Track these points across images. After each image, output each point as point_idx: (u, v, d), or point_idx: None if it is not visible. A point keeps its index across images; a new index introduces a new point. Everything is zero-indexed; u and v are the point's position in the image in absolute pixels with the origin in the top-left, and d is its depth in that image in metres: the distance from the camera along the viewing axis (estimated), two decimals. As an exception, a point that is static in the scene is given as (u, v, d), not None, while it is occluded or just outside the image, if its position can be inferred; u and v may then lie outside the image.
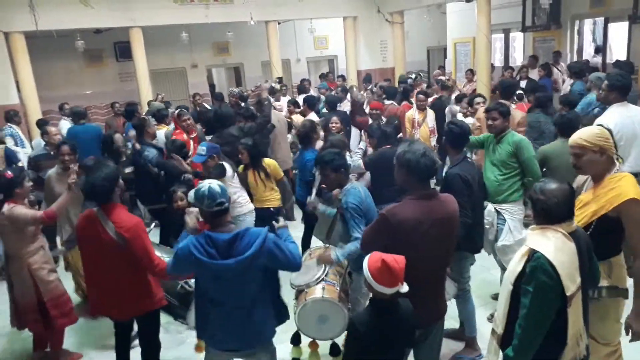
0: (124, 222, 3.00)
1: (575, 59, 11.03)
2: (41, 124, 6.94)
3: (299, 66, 14.99)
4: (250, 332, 2.66)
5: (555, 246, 2.19)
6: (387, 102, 7.21)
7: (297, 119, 7.17)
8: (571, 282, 2.17)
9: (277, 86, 8.97)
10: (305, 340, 3.37)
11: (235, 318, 2.63)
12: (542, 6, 10.11)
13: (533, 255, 2.21)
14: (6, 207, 3.58)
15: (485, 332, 3.77)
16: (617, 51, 10.75)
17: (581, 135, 2.67)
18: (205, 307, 2.71)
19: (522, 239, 3.97)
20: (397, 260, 2.36)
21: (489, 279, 4.67)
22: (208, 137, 6.57)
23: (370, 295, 2.54)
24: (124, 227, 2.98)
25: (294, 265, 2.71)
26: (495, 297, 4.45)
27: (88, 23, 9.89)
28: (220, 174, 4.44)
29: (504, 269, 4.14)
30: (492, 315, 4.14)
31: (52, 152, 5.33)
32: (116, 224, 2.98)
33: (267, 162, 4.91)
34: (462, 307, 3.68)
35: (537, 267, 2.16)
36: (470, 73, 10.00)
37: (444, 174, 3.67)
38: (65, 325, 3.90)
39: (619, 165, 2.69)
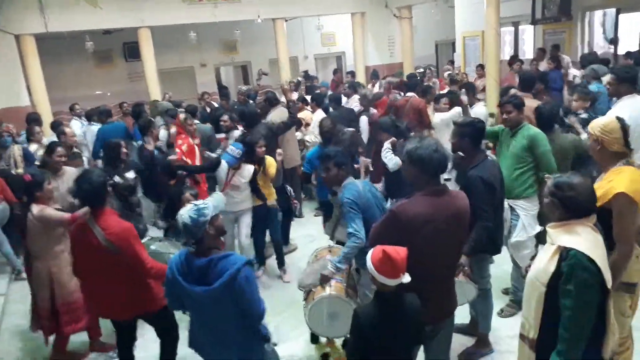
0: (112, 228, 2.99)
1: (586, 51, 10.89)
2: (55, 125, 7.01)
3: (306, 63, 14.97)
4: (236, 350, 2.54)
5: (588, 241, 2.17)
6: (409, 94, 7.13)
7: (306, 115, 7.16)
8: (608, 275, 2.17)
9: (267, 71, 9.12)
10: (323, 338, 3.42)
11: (219, 337, 2.53)
12: (552, -2, 9.99)
13: (567, 253, 2.16)
14: (36, 209, 3.62)
15: (495, 327, 3.77)
16: (629, 42, 10.60)
17: (593, 122, 2.79)
18: (192, 321, 2.65)
19: (534, 234, 3.94)
20: (398, 251, 2.34)
21: (498, 274, 4.62)
22: (218, 136, 6.58)
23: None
24: (113, 233, 2.98)
25: (256, 313, 2.47)
26: (505, 291, 4.43)
27: (97, 24, 9.96)
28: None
29: (515, 264, 4.12)
30: (502, 310, 4.14)
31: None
32: (105, 230, 2.98)
33: (269, 160, 4.96)
34: (482, 305, 3.60)
35: (576, 265, 2.12)
36: (481, 68, 9.91)
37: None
38: (74, 332, 3.88)
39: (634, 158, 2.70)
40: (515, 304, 4.09)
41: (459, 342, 3.68)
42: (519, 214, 3.89)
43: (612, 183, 2.57)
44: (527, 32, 12.86)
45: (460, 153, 3.44)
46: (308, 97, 8.08)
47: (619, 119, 2.67)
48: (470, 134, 3.37)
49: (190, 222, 2.37)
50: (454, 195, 2.64)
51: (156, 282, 3.15)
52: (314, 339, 3.47)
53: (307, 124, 7.01)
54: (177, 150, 5.53)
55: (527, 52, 12.88)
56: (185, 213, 2.40)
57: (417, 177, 2.58)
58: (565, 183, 2.25)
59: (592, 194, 2.26)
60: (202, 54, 13.52)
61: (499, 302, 4.25)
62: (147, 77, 10.42)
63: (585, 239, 2.18)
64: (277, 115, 6.22)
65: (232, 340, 2.51)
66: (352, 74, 11.57)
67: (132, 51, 12.36)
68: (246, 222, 4.85)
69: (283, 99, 6.45)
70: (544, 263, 2.24)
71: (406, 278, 2.34)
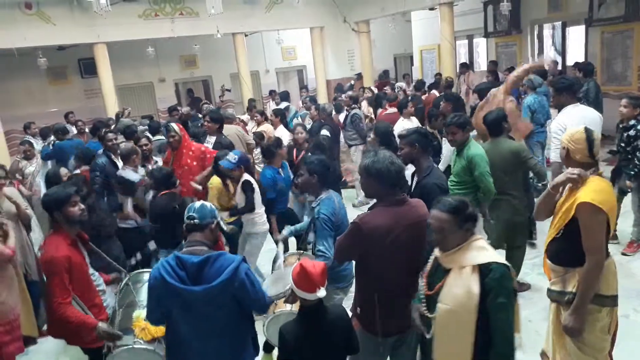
0: (45, 252, 2.96)
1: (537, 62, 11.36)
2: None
3: (268, 77, 15.00)
4: (228, 340, 2.46)
5: (495, 251, 2.25)
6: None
7: (267, 128, 7.15)
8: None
9: (229, 87, 9.18)
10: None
11: (210, 351, 2.43)
12: (502, 12, 10.38)
13: (488, 269, 2.15)
14: None
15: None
16: (576, 54, 11.11)
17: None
18: (177, 346, 2.48)
19: None
20: (315, 265, 2.36)
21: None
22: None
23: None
24: (43, 258, 2.97)
25: (260, 306, 2.52)
26: None
27: (51, 40, 9.74)
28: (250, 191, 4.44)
29: None
30: None
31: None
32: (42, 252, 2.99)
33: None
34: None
35: (502, 277, 2.14)
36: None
37: (413, 184, 3.61)
38: (17, 353, 3.51)
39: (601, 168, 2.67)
40: None
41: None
42: None
43: (579, 193, 2.51)
44: (481, 44, 13.30)
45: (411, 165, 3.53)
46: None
47: (586, 130, 2.63)
48: (418, 140, 3.47)
49: (207, 206, 2.54)
50: (414, 204, 2.68)
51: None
52: (267, 348, 3.47)
53: (269, 138, 6.99)
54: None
55: (482, 64, 13.31)
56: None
57: (376, 190, 2.62)
58: (461, 201, 2.27)
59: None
60: (161, 69, 13.35)
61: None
62: (105, 93, 10.21)
63: (492, 251, 2.21)
64: (231, 130, 6.32)
65: (224, 332, 2.44)
66: (306, 88, 11.68)
67: (88, 67, 12.09)
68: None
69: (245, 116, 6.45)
70: (463, 289, 2.17)
71: (321, 292, 2.35)
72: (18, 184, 5.87)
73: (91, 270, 3.23)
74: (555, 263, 2.68)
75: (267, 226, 4.66)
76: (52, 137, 7.74)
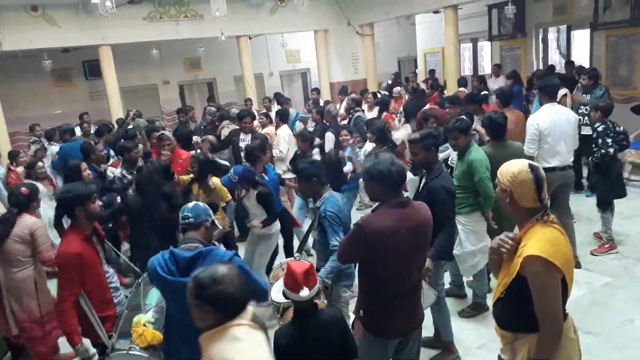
0: (59, 247, 3.10)
1: (541, 66, 11.32)
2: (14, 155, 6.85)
3: (272, 80, 15.02)
4: None
5: (256, 343, 1.82)
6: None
7: (270, 130, 7.15)
8: None
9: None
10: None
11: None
12: (507, 15, 10.37)
13: None
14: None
15: (459, 335, 3.81)
16: (581, 57, 11.07)
17: (503, 167, 2.20)
18: (174, 332, 2.60)
19: (473, 250, 4.04)
20: (300, 265, 2.43)
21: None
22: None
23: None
24: (57, 252, 3.12)
25: (258, 293, 2.54)
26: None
27: (56, 42, 9.77)
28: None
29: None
30: (463, 311, 4.28)
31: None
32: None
33: (214, 181, 4.69)
34: (439, 314, 3.68)
35: None
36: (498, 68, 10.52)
37: (420, 185, 3.59)
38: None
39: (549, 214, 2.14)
40: (475, 307, 4.25)
41: (428, 355, 3.70)
42: (458, 228, 3.96)
43: (525, 244, 2.04)
44: (485, 48, 13.28)
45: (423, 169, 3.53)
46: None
47: (532, 168, 2.10)
48: (435, 144, 3.49)
49: (201, 205, 2.68)
50: (417, 206, 2.67)
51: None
52: None
53: (272, 140, 6.99)
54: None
55: (486, 67, 13.29)
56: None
57: (379, 192, 2.61)
58: (208, 278, 1.81)
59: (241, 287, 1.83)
60: (165, 72, 13.39)
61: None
62: (109, 95, 10.24)
63: (252, 343, 1.77)
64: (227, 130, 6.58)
65: None
66: (317, 90, 11.67)
67: (92, 69, 12.11)
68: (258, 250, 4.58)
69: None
70: None
71: (304, 292, 2.38)
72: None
73: (105, 267, 3.33)
74: (502, 327, 2.22)
75: (279, 225, 4.57)
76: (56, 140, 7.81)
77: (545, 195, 2.10)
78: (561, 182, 4.69)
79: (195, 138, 6.75)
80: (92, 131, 8.41)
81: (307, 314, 2.42)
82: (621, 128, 5.04)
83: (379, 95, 9.70)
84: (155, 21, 10.48)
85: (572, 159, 4.78)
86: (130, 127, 7.72)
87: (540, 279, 1.98)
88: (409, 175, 4.42)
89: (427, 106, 7.49)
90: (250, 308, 1.83)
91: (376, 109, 8.55)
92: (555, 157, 4.63)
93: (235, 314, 1.79)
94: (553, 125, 4.59)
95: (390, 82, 12.09)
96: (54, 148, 7.62)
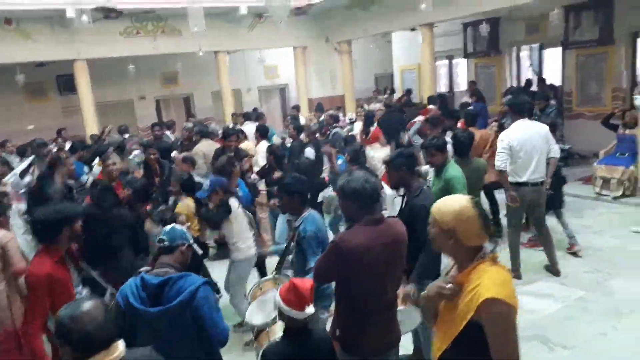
0: (29, 268, 3.02)
1: (514, 83, 11.59)
2: None
3: (249, 95, 15.00)
4: None
5: None
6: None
7: (247, 146, 7.12)
8: None
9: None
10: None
11: None
12: (481, 34, 10.61)
13: None
14: None
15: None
16: (553, 75, 11.38)
17: (439, 204, 2.00)
18: None
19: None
20: (304, 281, 2.38)
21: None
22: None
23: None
24: (27, 273, 3.01)
25: (219, 334, 2.37)
26: None
27: (31, 56, 9.63)
28: (224, 213, 4.15)
29: None
30: None
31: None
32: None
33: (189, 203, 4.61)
34: (425, 332, 3.62)
35: None
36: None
37: (403, 204, 3.56)
38: None
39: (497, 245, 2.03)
40: None
41: (406, 372, 3.67)
42: None
43: (477, 288, 1.84)
44: (461, 65, 13.54)
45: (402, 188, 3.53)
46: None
47: (473, 202, 1.94)
48: (404, 163, 3.47)
49: (178, 228, 2.57)
50: (392, 222, 2.67)
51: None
52: None
53: (252, 156, 6.97)
54: None
55: (462, 84, 13.54)
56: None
57: (353, 209, 2.60)
58: (67, 316, 1.72)
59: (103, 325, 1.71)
60: (141, 87, 13.25)
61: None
62: (84, 110, 10.11)
63: None
64: (205, 147, 6.50)
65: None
66: (297, 108, 11.68)
67: (67, 84, 11.90)
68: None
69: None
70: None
71: (310, 309, 2.34)
72: None
73: (79, 289, 3.25)
74: None
75: (253, 251, 4.39)
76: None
77: (491, 228, 1.94)
78: (532, 197, 4.78)
79: (173, 153, 6.71)
80: (66, 147, 8.25)
81: (300, 332, 2.38)
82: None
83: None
84: (131, 36, 10.42)
85: (544, 173, 4.81)
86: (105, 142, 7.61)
87: (503, 322, 1.81)
88: (389, 192, 4.44)
89: (420, 118, 7.62)
90: (119, 344, 1.73)
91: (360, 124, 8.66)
92: (526, 171, 4.72)
93: (94, 352, 1.68)
94: (524, 141, 4.69)
95: (404, 98, 11.86)
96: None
